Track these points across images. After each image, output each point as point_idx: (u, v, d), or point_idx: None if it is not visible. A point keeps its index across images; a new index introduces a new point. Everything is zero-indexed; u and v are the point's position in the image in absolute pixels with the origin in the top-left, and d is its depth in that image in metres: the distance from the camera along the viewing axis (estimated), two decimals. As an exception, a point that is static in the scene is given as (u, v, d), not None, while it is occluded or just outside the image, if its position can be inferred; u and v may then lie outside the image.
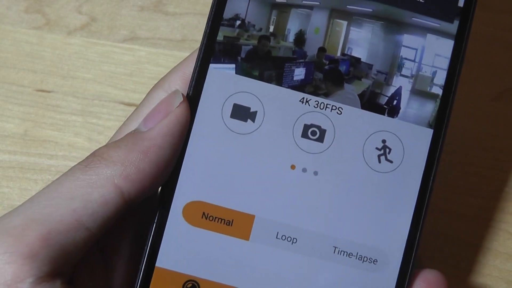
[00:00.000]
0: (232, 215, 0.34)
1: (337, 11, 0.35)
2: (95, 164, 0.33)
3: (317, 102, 0.35)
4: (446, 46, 0.36)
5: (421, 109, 0.35)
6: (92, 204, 0.32)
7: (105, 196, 0.32)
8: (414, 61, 0.35)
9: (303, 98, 0.35)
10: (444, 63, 0.36)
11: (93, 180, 0.32)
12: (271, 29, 0.35)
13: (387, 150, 0.35)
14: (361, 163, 0.35)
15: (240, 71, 0.35)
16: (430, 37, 0.35)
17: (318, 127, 0.35)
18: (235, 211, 0.34)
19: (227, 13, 0.35)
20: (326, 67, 0.35)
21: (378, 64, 0.35)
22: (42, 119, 0.47)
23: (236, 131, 0.35)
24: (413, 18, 0.35)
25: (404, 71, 0.35)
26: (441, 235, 0.46)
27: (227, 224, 0.34)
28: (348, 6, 0.35)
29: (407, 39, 0.35)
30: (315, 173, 0.35)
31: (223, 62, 0.35)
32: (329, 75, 0.35)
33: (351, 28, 0.35)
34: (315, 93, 0.35)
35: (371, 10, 0.35)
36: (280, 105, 0.35)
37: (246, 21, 0.35)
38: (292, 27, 0.35)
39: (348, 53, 0.35)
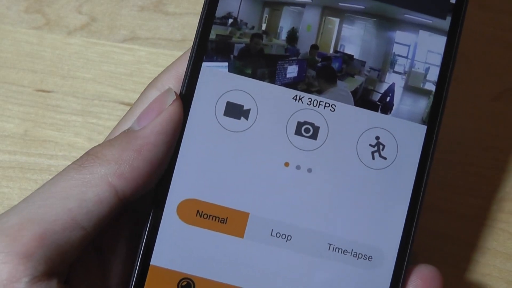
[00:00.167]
0: (227, 213, 0.35)
1: (329, 8, 0.35)
2: (89, 163, 0.33)
3: (310, 100, 0.35)
4: (438, 43, 0.36)
5: (414, 106, 0.35)
6: (87, 203, 0.32)
7: (100, 195, 0.32)
8: (407, 57, 0.35)
9: (296, 95, 0.35)
10: (437, 59, 0.36)
11: (88, 179, 0.32)
12: (264, 27, 0.35)
13: (381, 146, 0.35)
14: (354, 160, 0.35)
15: (233, 69, 0.35)
16: (423, 33, 0.35)
17: (312, 124, 0.35)
18: (229, 208, 0.35)
19: (220, 12, 0.35)
20: (319, 64, 0.35)
21: (371, 61, 0.35)
22: (42, 119, 0.47)
23: (229, 129, 0.35)
24: (405, 15, 0.35)
25: (397, 68, 0.35)
26: (441, 235, 0.46)
27: (222, 222, 0.34)
28: (340, 4, 0.35)
29: (400, 35, 0.35)
30: (309, 170, 0.35)
31: (216, 60, 0.35)
32: (322, 72, 0.35)
33: (344, 25, 0.35)
34: (308, 90, 0.35)
35: (363, 7, 0.35)
36: (273, 102, 0.35)
37: (238, 20, 0.35)
38: (285, 25, 0.35)
39: (341, 50, 0.35)
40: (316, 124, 0.35)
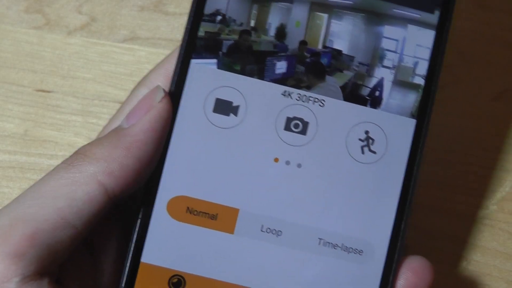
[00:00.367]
0: (217, 209, 0.35)
1: (317, 4, 0.35)
2: (78, 162, 0.33)
3: (299, 95, 0.35)
4: (427, 37, 0.36)
5: (404, 100, 0.35)
6: (77, 202, 0.32)
7: (89, 193, 0.32)
8: (395, 52, 0.35)
9: (285, 91, 0.35)
10: (426, 53, 0.35)
11: (77, 178, 0.32)
12: (252, 23, 0.35)
13: (370, 141, 0.35)
14: (344, 154, 0.35)
15: (222, 66, 0.35)
16: (411, 28, 0.35)
17: (301, 119, 0.35)
18: (219, 205, 0.35)
19: (208, 9, 0.35)
20: (308, 60, 0.35)
21: (360, 56, 0.35)
22: (42, 119, 0.47)
23: (218, 126, 0.35)
24: (393, 10, 0.35)
25: (385, 62, 0.35)
26: (440, 235, 0.45)
27: (212, 218, 0.35)
28: (328, -1, 0.36)
29: (388, 30, 0.35)
30: (299, 165, 0.35)
31: (205, 57, 0.35)
32: (310, 67, 0.35)
33: (332, 20, 0.35)
34: (297, 86, 0.35)
35: (351, 2, 0.35)
36: (262, 98, 0.35)
37: (227, 16, 0.35)
38: (273, 21, 0.35)
39: (329, 45, 0.35)
40: (305, 120, 0.35)
